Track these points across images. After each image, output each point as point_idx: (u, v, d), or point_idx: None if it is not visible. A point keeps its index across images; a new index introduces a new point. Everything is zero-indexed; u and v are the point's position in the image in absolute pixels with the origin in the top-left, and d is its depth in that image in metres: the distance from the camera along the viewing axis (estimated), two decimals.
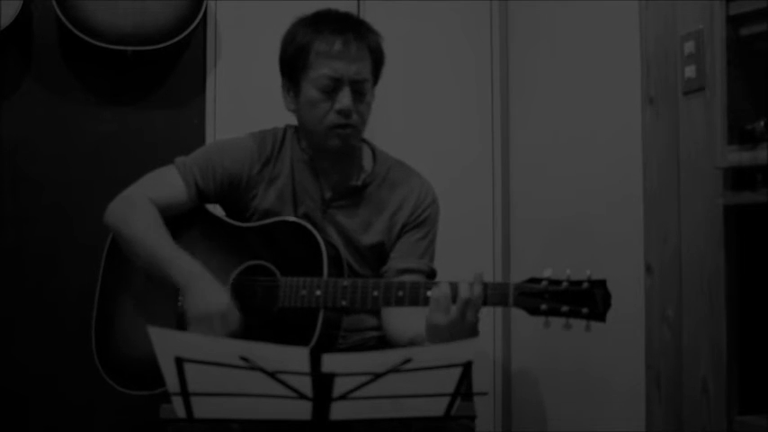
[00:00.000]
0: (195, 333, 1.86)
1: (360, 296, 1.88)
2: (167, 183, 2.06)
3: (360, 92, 2.01)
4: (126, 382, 2.03)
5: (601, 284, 1.72)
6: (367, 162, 2.13)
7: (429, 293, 1.80)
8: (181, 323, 1.99)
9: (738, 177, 1.90)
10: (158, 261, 1.96)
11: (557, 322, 1.73)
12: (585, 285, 1.72)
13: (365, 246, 2.08)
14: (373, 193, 2.10)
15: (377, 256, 2.10)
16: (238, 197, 2.09)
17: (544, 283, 1.74)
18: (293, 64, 2.05)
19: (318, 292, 1.89)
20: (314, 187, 2.08)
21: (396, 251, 2.09)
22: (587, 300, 1.71)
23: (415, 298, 1.84)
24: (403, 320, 1.97)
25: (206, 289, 1.91)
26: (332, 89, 2.00)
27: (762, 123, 1.79)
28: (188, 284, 1.92)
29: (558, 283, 1.73)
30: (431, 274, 2.11)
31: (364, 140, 2.18)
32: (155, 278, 1.99)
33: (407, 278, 2.04)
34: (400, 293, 1.85)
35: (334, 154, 2.05)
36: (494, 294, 1.77)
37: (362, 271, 2.08)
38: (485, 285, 1.78)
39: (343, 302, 1.89)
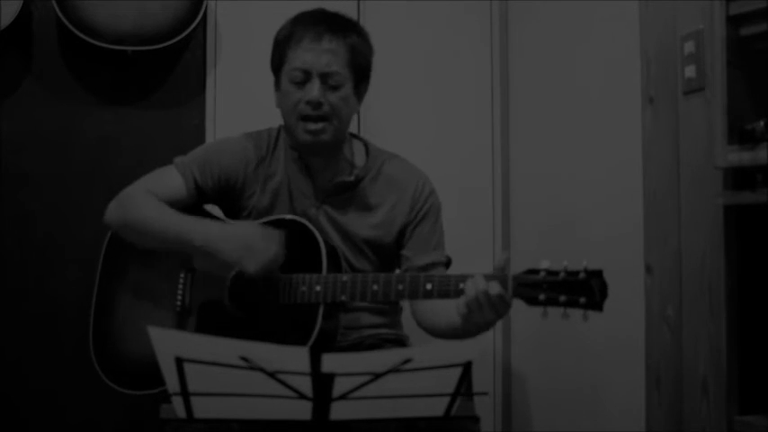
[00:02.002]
0: (249, 270, 1.89)
1: (359, 290, 1.89)
2: (166, 180, 2.08)
3: (332, 85, 2.01)
4: (124, 382, 2.04)
5: (597, 274, 1.72)
6: (359, 158, 2.14)
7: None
8: (180, 321, 2.00)
9: (738, 177, 1.90)
10: (173, 233, 1.97)
11: (554, 312, 1.74)
12: (582, 275, 1.72)
13: (362, 239, 2.09)
14: (367, 188, 2.11)
15: (375, 249, 2.10)
16: (235, 196, 2.10)
17: (542, 273, 1.75)
18: (275, 60, 2.09)
19: (318, 288, 1.90)
20: (307, 184, 2.10)
21: (409, 249, 2.10)
22: (584, 289, 1.72)
23: (415, 290, 1.85)
24: (435, 308, 1.97)
25: (232, 230, 1.93)
26: (303, 81, 2.01)
27: (762, 123, 1.79)
28: (214, 237, 1.93)
29: (555, 273, 1.74)
30: (448, 264, 2.13)
31: (356, 136, 2.19)
32: (172, 252, 2.00)
33: (431, 272, 2.05)
34: (400, 287, 1.86)
35: (314, 151, 2.06)
36: None
37: (360, 265, 2.09)
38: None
39: (343, 297, 1.89)
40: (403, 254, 2.11)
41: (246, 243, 1.90)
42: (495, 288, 1.75)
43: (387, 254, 2.12)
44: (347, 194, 2.10)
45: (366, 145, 2.17)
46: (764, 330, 1.94)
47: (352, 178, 2.09)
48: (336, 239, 2.07)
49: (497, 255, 2.87)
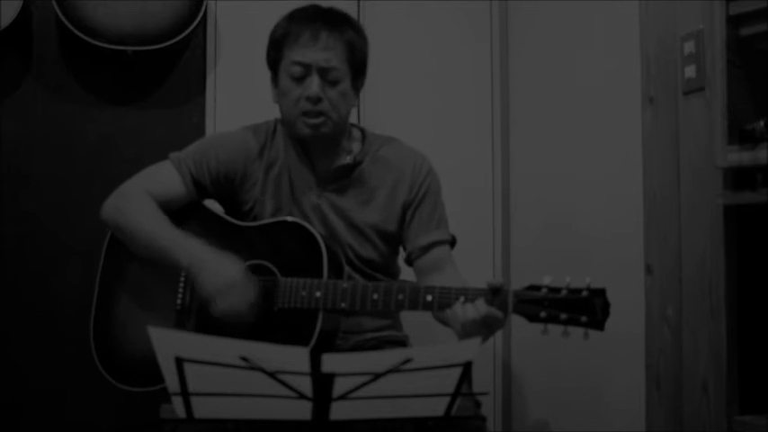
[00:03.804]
0: (218, 308, 1.87)
1: (359, 299, 1.88)
2: (163, 177, 2.07)
3: (331, 80, 2.03)
4: (124, 378, 2.04)
5: (600, 293, 1.72)
6: (356, 144, 2.16)
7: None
8: (180, 321, 1.99)
9: (738, 177, 1.90)
10: (161, 247, 1.96)
11: (555, 329, 1.74)
12: (585, 294, 1.72)
13: (366, 224, 2.09)
14: (366, 171, 2.12)
15: (380, 235, 2.11)
16: (235, 190, 2.10)
17: (544, 290, 1.75)
18: (272, 56, 2.10)
19: (318, 294, 1.90)
20: (307, 173, 2.10)
21: (412, 230, 2.11)
22: (586, 308, 1.71)
23: (415, 302, 1.85)
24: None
25: (218, 263, 1.91)
26: (302, 76, 2.03)
27: (762, 123, 1.79)
28: (198, 263, 1.91)
29: (557, 290, 1.74)
30: (453, 242, 2.14)
31: (353, 125, 2.20)
32: (159, 265, 1.99)
33: (436, 251, 2.08)
34: (400, 297, 1.86)
35: (316, 141, 2.07)
36: (494, 301, 1.78)
37: (364, 252, 2.09)
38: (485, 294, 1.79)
39: (343, 305, 1.89)
40: (406, 236, 2.12)
41: (227, 282, 1.88)
42: (482, 309, 1.76)
43: (392, 241, 2.13)
44: (347, 180, 2.10)
45: (363, 131, 2.18)
46: (764, 330, 1.94)
47: (350, 161, 2.10)
48: (340, 227, 2.08)
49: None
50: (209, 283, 1.89)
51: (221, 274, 1.89)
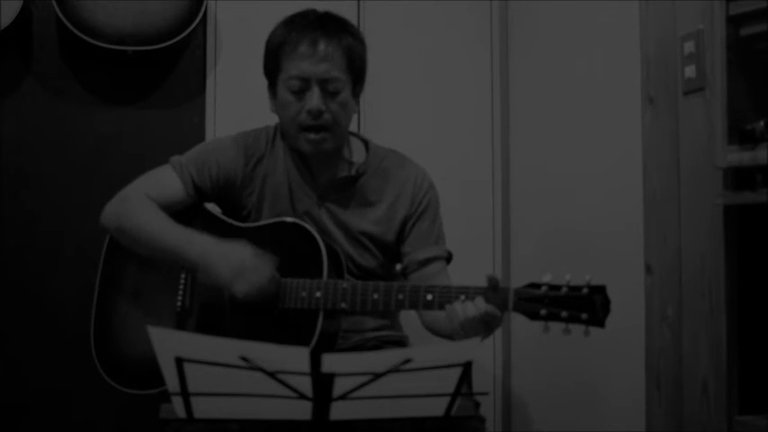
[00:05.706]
0: (239, 289, 1.88)
1: (359, 299, 1.89)
2: (164, 181, 2.07)
3: (331, 91, 2.00)
4: (124, 381, 2.04)
5: (600, 290, 1.72)
6: (359, 155, 2.14)
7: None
8: (180, 322, 1.99)
9: (738, 177, 1.90)
10: (168, 245, 1.96)
11: (556, 327, 1.74)
12: (585, 291, 1.72)
13: (366, 234, 2.09)
14: (368, 183, 2.11)
15: (379, 245, 2.10)
16: (234, 195, 2.09)
17: (544, 288, 1.75)
18: (269, 66, 2.07)
19: (318, 294, 1.90)
20: (308, 183, 2.09)
21: (409, 245, 2.11)
22: (587, 305, 1.71)
23: (415, 301, 1.85)
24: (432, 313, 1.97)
25: (227, 249, 1.91)
26: (301, 89, 2.00)
27: (762, 123, 1.79)
28: (207, 254, 1.92)
29: (557, 288, 1.74)
30: (449, 258, 2.14)
31: (355, 135, 2.19)
32: (162, 265, 1.99)
33: (432, 266, 2.08)
34: (400, 296, 1.86)
35: (317, 155, 2.06)
36: (494, 299, 1.78)
37: (364, 262, 2.09)
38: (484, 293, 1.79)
39: (343, 305, 1.89)
40: (403, 250, 2.11)
41: (241, 264, 1.88)
42: (482, 306, 1.76)
43: (390, 251, 2.13)
44: (348, 191, 2.10)
45: (365, 142, 2.17)
46: (764, 330, 1.94)
47: (353, 173, 2.09)
48: (340, 237, 2.07)
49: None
50: (224, 267, 1.90)
51: (233, 257, 1.89)
